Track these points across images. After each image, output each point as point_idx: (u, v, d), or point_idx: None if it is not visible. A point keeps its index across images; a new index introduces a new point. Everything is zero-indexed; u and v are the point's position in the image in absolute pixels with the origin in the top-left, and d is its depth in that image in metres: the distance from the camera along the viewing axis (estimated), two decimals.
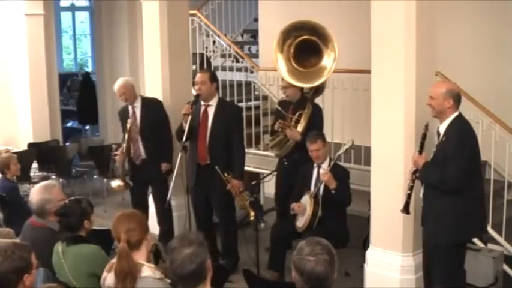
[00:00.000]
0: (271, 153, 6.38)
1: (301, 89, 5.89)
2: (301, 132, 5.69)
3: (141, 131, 6.11)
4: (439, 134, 4.34)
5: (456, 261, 4.43)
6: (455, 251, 4.40)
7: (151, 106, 6.22)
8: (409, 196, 4.42)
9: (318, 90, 6.00)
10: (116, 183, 6.20)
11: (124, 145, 6.08)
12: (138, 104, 6.17)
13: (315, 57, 5.79)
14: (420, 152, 4.35)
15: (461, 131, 4.24)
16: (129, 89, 6.13)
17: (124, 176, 6.22)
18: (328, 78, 5.95)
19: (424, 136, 4.36)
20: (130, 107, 6.18)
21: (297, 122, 5.76)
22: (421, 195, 4.48)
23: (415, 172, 4.39)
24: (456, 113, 4.27)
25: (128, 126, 6.02)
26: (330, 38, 5.65)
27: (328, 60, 5.70)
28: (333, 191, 5.19)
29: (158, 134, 6.11)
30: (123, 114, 6.25)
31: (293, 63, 5.86)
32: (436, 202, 4.31)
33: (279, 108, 5.99)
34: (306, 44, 5.81)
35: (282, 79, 5.94)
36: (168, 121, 6.25)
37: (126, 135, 6.05)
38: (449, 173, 4.15)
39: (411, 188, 4.42)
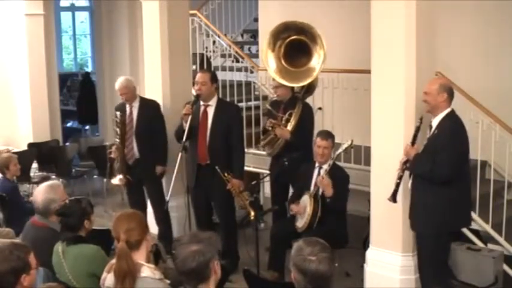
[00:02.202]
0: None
1: (292, 88, 5.91)
2: (290, 131, 5.71)
3: (136, 131, 6.11)
4: (430, 127, 4.48)
5: (444, 252, 4.55)
6: (444, 241, 4.51)
7: (149, 107, 6.23)
8: (397, 185, 4.55)
9: (309, 89, 6.03)
10: (116, 179, 6.15)
11: (117, 140, 6.08)
12: (136, 104, 6.19)
13: (305, 57, 5.82)
14: (413, 143, 4.49)
15: (453, 125, 4.39)
16: (131, 90, 6.16)
17: (125, 171, 6.20)
18: (317, 77, 5.97)
19: (418, 129, 4.51)
20: (128, 106, 6.19)
21: (287, 121, 5.78)
22: (409, 185, 4.57)
23: (405, 163, 4.51)
24: (449, 109, 4.42)
25: (118, 120, 6.04)
26: (317, 36, 5.67)
27: (318, 60, 5.72)
28: (328, 200, 5.15)
29: (153, 135, 6.11)
30: (120, 111, 6.23)
31: (283, 63, 5.89)
32: (425, 193, 4.44)
33: (270, 108, 6.01)
34: (296, 44, 5.84)
35: (273, 79, 5.96)
36: (164, 124, 6.25)
37: (119, 131, 6.05)
38: (439, 164, 4.28)
39: (400, 178, 4.54)
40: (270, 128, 5.85)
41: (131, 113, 6.17)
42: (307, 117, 5.82)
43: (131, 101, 6.17)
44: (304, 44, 5.78)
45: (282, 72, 5.86)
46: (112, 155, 6.14)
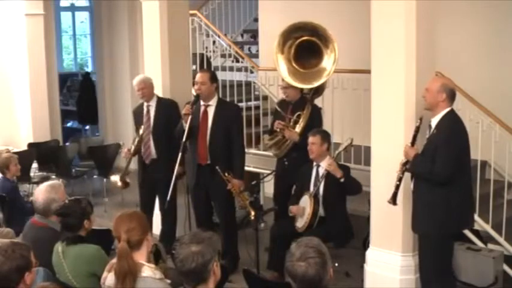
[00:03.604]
0: (271, 153, 6.38)
1: (301, 89, 5.89)
2: (299, 133, 5.69)
3: (153, 130, 6.08)
4: (430, 127, 4.45)
5: (445, 254, 4.53)
6: (445, 241, 4.49)
7: (166, 106, 6.18)
8: (397, 187, 4.51)
9: (318, 91, 6.01)
10: (114, 178, 6.17)
11: (133, 146, 6.11)
12: (153, 103, 6.15)
13: (315, 58, 5.81)
14: (412, 144, 4.46)
15: (453, 125, 4.36)
16: (148, 86, 6.13)
17: (124, 175, 6.21)
18: (328, 79, 5.96)
19: (417, 129, 4.47)
20: (145, 106, 6.16)
21: (296, 122, 5.76)
22: (411, 186, 4.55)
23: (405, 164, 4.49)
24: (448, 109, 4.38)
25: (141, 132, 6.06)
26: (330, 39, 5.67)
27: (328, 62, 5.71)
28: (342, 179, 5.17)
29: (170, 134, 6.07)
30: (138, 113, 6.25)
31: (293, 64, 5.87)
32: (426, 193, 4.41)
33: (278, 109, 6.00)
34: (306, 45, 5.83)
35: (282, 79, 5.95)
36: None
37: (137, 139, 6.08)
38: (438, 164, 4.25)
39: (400, 180, 4.51)
40: (278, 130, 5.83)
41: (148, 111, 6.13)
42: (316, 119, 5.79)
43: (148, 99, 6.12)
44: (315, 45, 5.76)
45: (293, 73, 5.83)
46: (123, 155, 6.16)
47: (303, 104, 5.80)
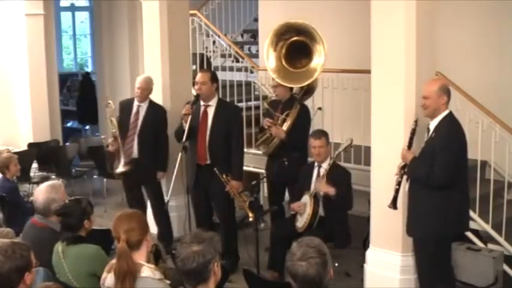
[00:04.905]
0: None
1: (291, 89, 5.93)
2: (285, 131, 5.72)
3: (140, 131, 6.11)
4: (428, 130, 4.42)
5: (443, 256, 4.51)
6: (442, 244, 4.47)
7: (156, 111, 6.22)
8: (397, 191, 4.49)
9: (308, 91, 6.04)
10: (120, 169, 6.07)
11: (112, 137, 6.11)
12: (144, 105, 6.17)
13: (306, 58, 5.85)
14: (409, 147, 4.44)
15: (451, 128, 4.32)
16: (146, 88, 6.16)
17: (126, 161, 6.13)
18: (317, 80, 5.99)
19: (413, 131, 4.45)
20: (135, 105, 6.17)
21: (284, 121, 5.79)
22: (407, 188, 4.52)
23: (403, 167, 4.46)
24: (447, 111, 4.36)
25: (114, 120, 6.08)
26: (318, 39, 5.69)
27: (317, 62, 5.74)
28: (333, 197, 5.15)
29: (155, 139, 6.11)
30: (125, 106, 6.26)
31: (283, 63, 5.92)
32: (424, 197, 4.37)
33: (268, 108, 6.02)
34: (298, 45, 5.86)
35: (273, 78, 5.98)
36: (166, 130, 6.23)
37: (115, 130, 6.07)
38: (436, 169, 4.21)
39: (399, 183, 4.49)
40: (266, 127, 5.86)
41: (137, 112, 6.16)
42: (303, 118, 5.82)
43: (141, 100, 6.14)
44: (306, 45, 5.79)
45: (281, 72, 5.90)
46: (110, 148, 6.14)
47: (293, 104, 5.83)
